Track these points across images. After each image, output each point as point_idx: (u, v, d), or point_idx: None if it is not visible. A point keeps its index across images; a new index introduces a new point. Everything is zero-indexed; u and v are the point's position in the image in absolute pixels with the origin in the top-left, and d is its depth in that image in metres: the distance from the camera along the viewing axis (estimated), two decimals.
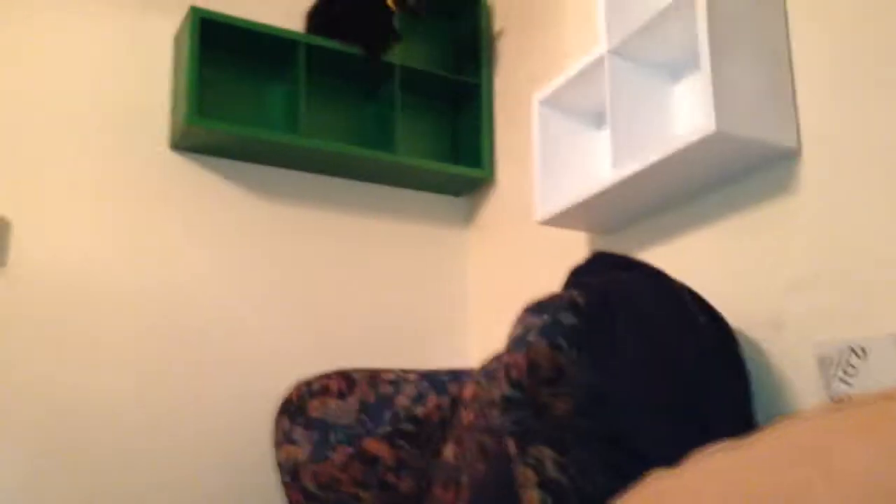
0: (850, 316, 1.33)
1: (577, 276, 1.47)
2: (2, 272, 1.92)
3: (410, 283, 2.39)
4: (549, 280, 2.10)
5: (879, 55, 1.33)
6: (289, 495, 1.80)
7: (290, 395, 1.88)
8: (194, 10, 2.09)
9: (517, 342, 1.25)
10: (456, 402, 1.83)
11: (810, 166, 1.43)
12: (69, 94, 2.08)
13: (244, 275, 2.18)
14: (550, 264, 2.10)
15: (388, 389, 1.90)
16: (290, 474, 1.81)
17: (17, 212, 1.97)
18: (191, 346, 2.08)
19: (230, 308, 2.15)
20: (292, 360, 2.18)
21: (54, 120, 2.05)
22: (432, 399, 1.85)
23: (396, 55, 2.33)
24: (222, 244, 2.17)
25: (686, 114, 1.71)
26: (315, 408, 1.86)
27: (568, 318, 1.26)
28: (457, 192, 2.49)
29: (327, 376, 1.91)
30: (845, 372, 1.31)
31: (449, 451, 1.81)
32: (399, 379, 1.93)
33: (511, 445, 1.23)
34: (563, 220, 1.81)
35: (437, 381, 1.92)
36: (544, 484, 1.19)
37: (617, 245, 1.88)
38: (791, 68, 1.48)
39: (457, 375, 1.96)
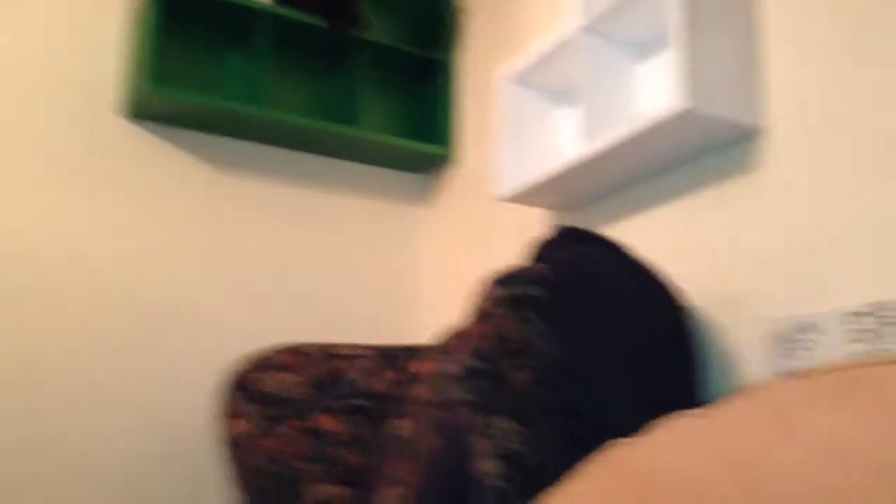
0: (803, 293, 1.34)
1: (545, 251, 1.45)
2: None
3: (367, 260, 2.35)
4: (506, 258, 2.09)
5: (846, 38, 1.34)
6: (233, 469, 1.75)
7: (240, 368, 1.84)
8: None
9: (483, 313, 1.23)
10: (411, 378, 1.81)
11: (774, 146, 1.44)
12: (18, 63, 2.00)
13: (197, 247, 2.12)
14: (507, 242, 2.09)
15: (341, 364, 1.87)
16: (236, 448, 1.76)
17: None
18: (140, 318, 2.02)
19: (182, 281, 2.09)
20: (246, 334, 2.14)
21: (3, 89, 1.97)
22: (387, 374, 1.83)
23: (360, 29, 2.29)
24: (176, 215, 2.11)
25: (650, 93, 1.71)
26: (264, 382, 1.82)
27: (535, 291, 1.24)
28: (418, 169, 2.47)
29: (278, 350, 1.87)
30: (797, 348, 1.32)
31: (402, 426, 1.79)
32: (353, 354, 1.90)
33: (469, 415, 1.21)
34: (526, 196, 1.80)
35: (392, 356, 1.89)
36: (502, 454, 1.17)
37: (578, 222, 1.87)
38: (759, 48, 1.49)
39: (412, 351, 1.94)
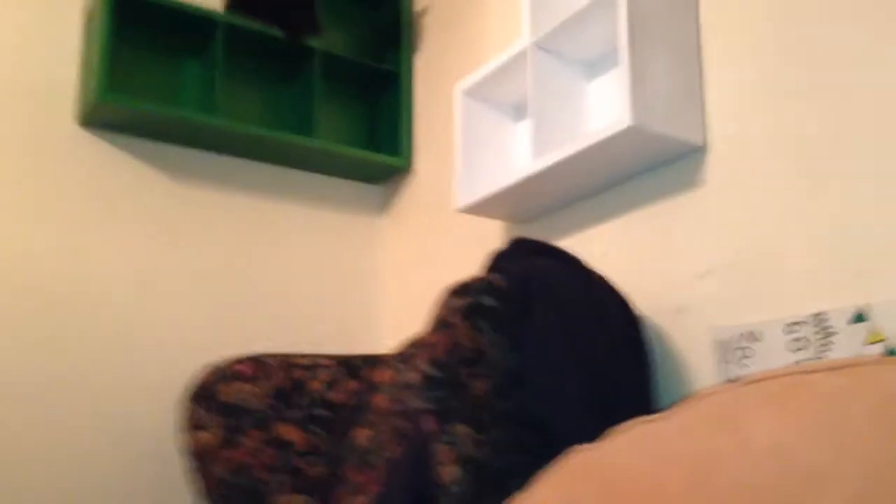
0: (745, 303, 1.41)
1: (499, 261, 1.50)
2: None
3: (324, 270, 2.37)
4: (463, 268, 2.13)
5: (784, 60, 1.41)
6: (197, 482, 1.76)
7: (200, 380, 1.84)
8: None
9: (440, 323, 1.27)
10: (371, 387, 1.84)
11: (715, 163, 1.51)
12: None
13: (153, 257, 2.12)
14: (464, 253, 2.13)
15: (302, 374, 1.89)
16: (199, 460, 1.77)
17: None
18: (95, 329, 2.01)
19: (137, 291, 2.08)
20: (202, 345, 2.14)
21: None
22: (348, 384, 1.85)
23: (317, 40, 2.31)
24: (131, 225, 2.10)
25: (599, 110, 1.77)
26: (226, 393, 1.83)
27: (489, 301, 1.28)
28: (374, 180, 2.50)
29: (239, 361, 1.88)
30: (740, 356, 1.39)
31: (362, 435, 1.82)
32: (313, 364, 1.92)
33: (429, 423, 1.24)
34: (481, 208, 1.85)
35: (352, 366, 1.92)
36: (461, 460, 1.21)
37: (533, 234, 1.92)
38: (701, 69, 1.56)
39: (372, 361, 1.96)
